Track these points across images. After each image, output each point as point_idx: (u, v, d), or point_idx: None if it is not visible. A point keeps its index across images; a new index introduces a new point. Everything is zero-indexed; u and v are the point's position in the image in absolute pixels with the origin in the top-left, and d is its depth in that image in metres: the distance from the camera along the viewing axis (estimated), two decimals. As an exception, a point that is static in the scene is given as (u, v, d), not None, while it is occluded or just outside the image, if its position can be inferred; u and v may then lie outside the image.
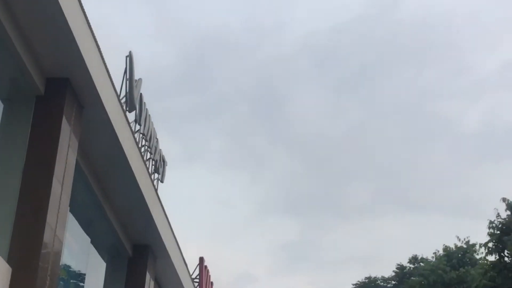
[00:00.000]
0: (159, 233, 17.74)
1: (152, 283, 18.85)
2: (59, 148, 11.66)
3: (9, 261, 10.85)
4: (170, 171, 19.57)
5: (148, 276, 18.38)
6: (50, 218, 11.31)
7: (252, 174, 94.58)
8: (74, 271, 15.49)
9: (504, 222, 29.76)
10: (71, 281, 15.31)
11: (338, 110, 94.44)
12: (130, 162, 14.53)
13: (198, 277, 26.47)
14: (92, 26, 11.81)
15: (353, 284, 57.27)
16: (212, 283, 28.54)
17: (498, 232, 29.84)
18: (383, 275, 55.82)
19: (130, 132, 14.77)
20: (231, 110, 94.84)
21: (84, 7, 11.38)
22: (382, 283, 55.58)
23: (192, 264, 26.00)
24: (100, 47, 12.30)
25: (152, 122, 17.36)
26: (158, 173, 18.69)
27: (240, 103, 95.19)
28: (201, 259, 26.89)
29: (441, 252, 42.94)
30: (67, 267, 14.77)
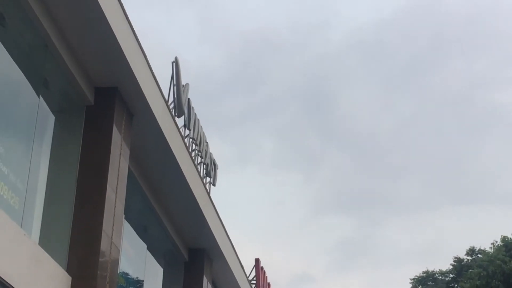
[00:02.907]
0: (213, 236, 17.81)
1: (209, 286, 18.93)
2: (111, 156, 11.79)
3: (68, 270, 11.00)
4: (223, 174, 19.66)
5: (205, 279, 18.46)
6: (106, 226, 11.45)
7: (305, 174, 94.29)
8: (132, 278, 15.64)
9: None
10: None
11: (389, 105, 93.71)
12: (181, 167, 14.62)
13: (255, 278, 26.52)
14: (138, 34, 11.94)
15: (411, 279, 56.76)
16: (269, 284, 28.56)
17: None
18: (440, 268, 55.24)
19: (180, 138, 14.86)
20: (282, 111, 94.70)
21: (129, 16, 11.50)
22: (440, 277, 54.95)
23: (249, 266, 26.07)
24: (147, 54, 12.42)
25: (201, 126, 17.45)
26: (210, 177, 18.77)
27: (290, 103, 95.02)
28: (257, 261, 26.93)
29: (499, 242, 42.32)
30: (125, 274, 14.91)
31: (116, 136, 12.05)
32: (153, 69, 12.76)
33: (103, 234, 11.31)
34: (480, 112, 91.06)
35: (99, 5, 10.20)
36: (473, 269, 42.95)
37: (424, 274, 56.18)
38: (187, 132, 16.40)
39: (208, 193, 17.56)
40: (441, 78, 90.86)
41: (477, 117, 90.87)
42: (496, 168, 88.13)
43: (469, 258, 52.25)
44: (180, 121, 15.69)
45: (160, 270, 17.82)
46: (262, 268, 27.17)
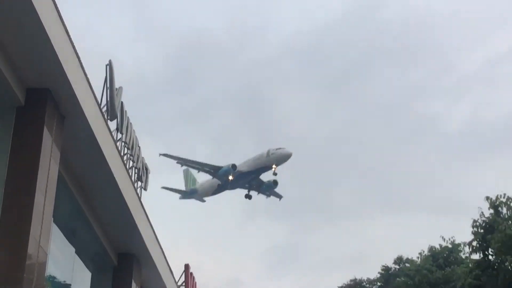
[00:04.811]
0: (143, 242, 17.69)
1: (138, 291, 18.78)
2: (41, 159, 11.60)
3: (-7, 274, 10.78)
4: (155, 179, 19.51)
5: (133, 284, 18.32)
6: (34, 229, 11.25)
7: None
8: (60, 282, 15.41)
9: (487, 221, 29.81)
10: (57, 292, 15.24)
11: (323, 111, 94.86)
12: (112, 171, 14.48)
13: (184, 284, 26.42)
14: (73, 36, 11.79)
15: (338, 287, 57.28)
16: (198, 289, 28.44)
17: (482, 231, 29.90)
18: (368, 276, 55.88)
19: (112, 141, 14.72)
20: (217, 115, 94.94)
21: (64, 16, 11.35)
22: (367, 285, 55.59)
23: (178, 272, 25.98)
24: (81, 56, 12.27)
25: (134, 130, 17.31)
26: (141, 181, 18.63)
27: (225, 107, 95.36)
28: (187, 266, 26.82)
29: (426, 252, 43.01)
30: (52, 278, 14.68)
31: (47, 138, 11.87)
32: (86, 71, 12.62)
33: (31, 237, 11.11)
34: (412, 121, 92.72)
35: (33, 5, 10.05)
36: (400, 278, 43.58)
37: (352, 282, 56.75)
38: (119, 135, 16.26)
39: (139, 198, 17.44)
40: (376, 86, 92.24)
41: (409, 126, 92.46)
42: (426, 177, 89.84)
43: (397, 267, 52.94)
44: (113, 125, 15.56)
45: (88, 274, 17.60)
46: (191, 273, 27.08)
